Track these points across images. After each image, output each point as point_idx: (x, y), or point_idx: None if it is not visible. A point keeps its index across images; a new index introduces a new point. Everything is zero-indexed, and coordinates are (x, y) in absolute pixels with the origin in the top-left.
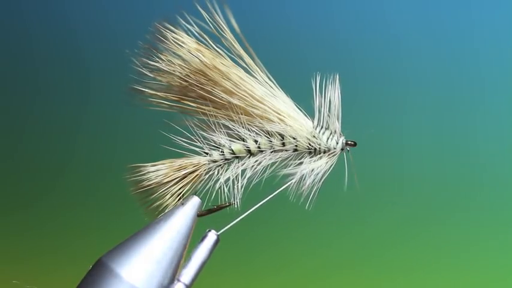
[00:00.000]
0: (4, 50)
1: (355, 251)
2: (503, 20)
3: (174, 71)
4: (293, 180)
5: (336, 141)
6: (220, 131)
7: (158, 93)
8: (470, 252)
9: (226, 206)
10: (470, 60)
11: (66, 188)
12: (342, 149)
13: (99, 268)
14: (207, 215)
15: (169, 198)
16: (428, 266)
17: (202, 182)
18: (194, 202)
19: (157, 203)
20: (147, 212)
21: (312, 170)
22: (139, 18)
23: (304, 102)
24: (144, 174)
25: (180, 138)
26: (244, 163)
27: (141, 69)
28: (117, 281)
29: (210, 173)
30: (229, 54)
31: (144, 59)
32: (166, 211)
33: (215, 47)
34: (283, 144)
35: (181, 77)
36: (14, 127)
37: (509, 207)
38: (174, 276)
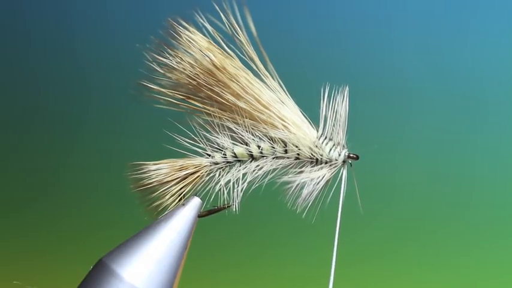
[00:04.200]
0: (4, 45)
1: (357, 251)
2: (506, 21)
3: (184, 69)
4: (292, 188)
5: (338, 153)
6: (224, 134)
7: (166, 90)
8: (472, 254)
9: (227, 207)
10: (478, 71)
11: (67, 188)
12: (344, 162)
13: (100, 268)
14: (207, 216)
15: (169, 197)
16: (431, 267)
17: (203, 183)
18: (195, 203)
19: (158, 202)
20: (147, 210)
21: (311, 180)
22: (152, 14)
23: (314, 110)
24: (145, 173)
25: (183, 138)
26: (245, 167)
27: (150, 64)
28: (118, 281)
29: (211, 174)
30: (241, 56)
31: (155, 54)
32: (167, 211)
33: (227, 48)
34: (286, 152)
35: (190, 76)
36: (16, 125)
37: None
38: (174, 277)
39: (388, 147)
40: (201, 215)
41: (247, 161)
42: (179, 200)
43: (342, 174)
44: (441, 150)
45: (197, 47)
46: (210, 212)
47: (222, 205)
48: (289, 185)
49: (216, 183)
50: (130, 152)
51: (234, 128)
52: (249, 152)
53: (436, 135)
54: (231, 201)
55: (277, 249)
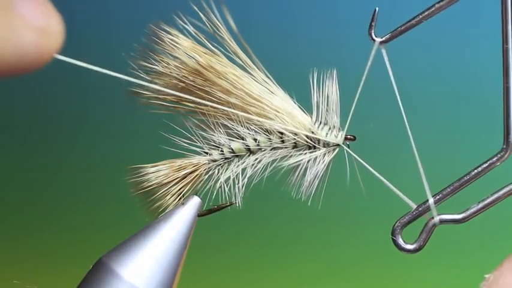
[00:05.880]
0: None
1: (359, 250)
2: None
3: (171, 72)
4: (294, 177)
5: (335, 136)
6: (220, 131)
7: (156, 95)
8: (473, 254)
9: (227, 206)
10: (471, 55)
11: (67, 188)
12: (342, 144)
13: (100, 268)
14: (208, 215)
15: (169, 198)
16: (436, 264)
17: (202, 182)
18: (194, 202)
19: (158, 203)
20: (148, 212)
21: (312, 166)
22: (134, 20)
23: (303, 99)
24: (144, 175)
25: (179, 138)
26: (244, 162)
27: (137, 72)
28: (118, 281)
29: (210, 172)
30: (225, 53)
31: (140, 62)
32: (166, 211)
33: (211, 47)
34: (283, 141)
35: (178, 78)
36: (16, 126)
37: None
38: (174, 276)
39: (386, 145)
40: (201, 214)
41: (245, 155)
42: (179, 200)
43: (333, 157)
44: (441, 147)
45: (181, 50)
46: (210, 211)
47: (222, 203)
48: (291, 174)
49: (216, 181)
50: (129, 154)
51: (228, 124)
52: (246, 146)
53: (435, 132)
54: (233, 198)
55: (279, 247)
